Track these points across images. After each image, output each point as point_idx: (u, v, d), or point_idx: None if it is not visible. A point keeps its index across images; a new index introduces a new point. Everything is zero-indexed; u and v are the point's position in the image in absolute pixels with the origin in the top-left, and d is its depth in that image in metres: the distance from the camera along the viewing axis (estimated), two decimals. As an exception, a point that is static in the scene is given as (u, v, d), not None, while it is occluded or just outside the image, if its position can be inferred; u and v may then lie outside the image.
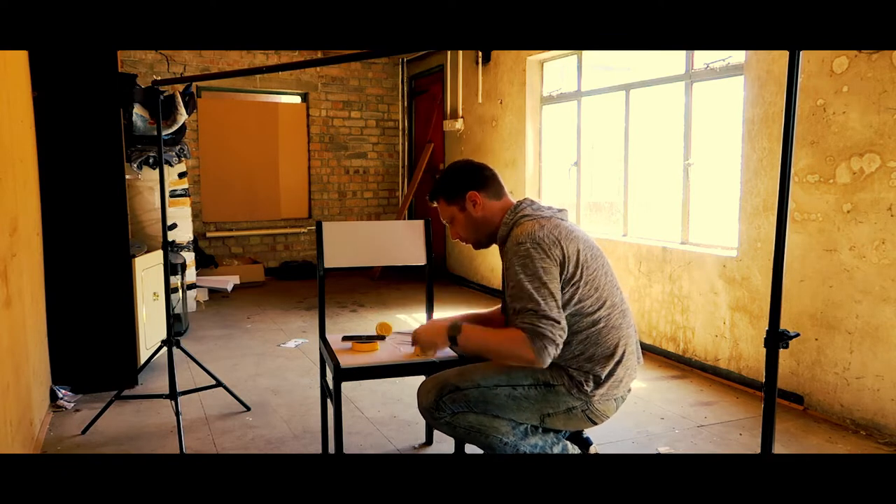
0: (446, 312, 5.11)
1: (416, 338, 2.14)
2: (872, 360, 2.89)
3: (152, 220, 4.35)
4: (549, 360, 1.84)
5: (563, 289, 1.91)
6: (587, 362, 1.95)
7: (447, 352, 2.35)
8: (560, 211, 2.07)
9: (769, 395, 1.46)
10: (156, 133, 3.05)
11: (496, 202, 2.08)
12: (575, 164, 5.09)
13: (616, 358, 1.96)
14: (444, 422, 2.02)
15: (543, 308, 1.82)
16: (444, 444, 2.76)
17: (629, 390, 2.08)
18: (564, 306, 1.92)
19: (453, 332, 1.99)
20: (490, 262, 5.93)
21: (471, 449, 2.49)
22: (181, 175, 4.93)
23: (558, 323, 1.83)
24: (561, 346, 1.86)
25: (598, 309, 1.95)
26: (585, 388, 1.94)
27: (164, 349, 3.01)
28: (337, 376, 2.21)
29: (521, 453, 1.98)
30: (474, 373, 2.01)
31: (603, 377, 1.95)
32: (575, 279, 1.92)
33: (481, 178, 2.09)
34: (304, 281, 6.68)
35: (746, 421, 3.04)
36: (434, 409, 2.01)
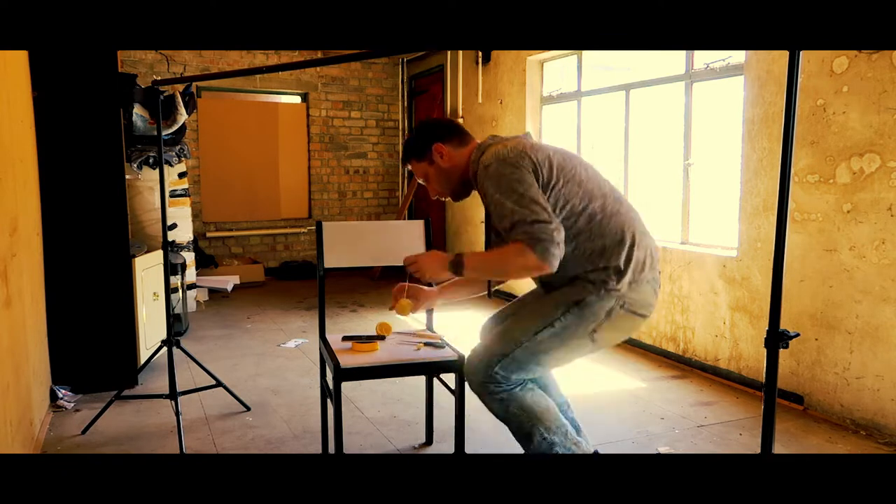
0: (446, 312, 5.10)
1: (417, 261, 2.06)
2: (872, 360, 2.89)
3: (152, 220, 4.35)
4: (556, 260, 1.83)
5: (544, 194, 1.91)
6: (599, 258, 1.95)
7: (445, 352, 2.35)
8: (524, 135, 2.10)
9: (769, 395, 1.46)
10: (156, 133, 3.05)
11: (463, 149, 2.13)
12: (575, 163, 5.08)
13: (627, 242, 1.96)
14: (499, 397, 1.99)
15: (530, 215, 1.83)
16: (444, 444, 2.76)
17: (659, 272, 2.05)
18: (553, 210, 1.91)
19: (456, 260, 1.98)
20: (490, 262, 5.92)
21: (471, 449, 2.50)
22: (181, 175, 4.93)
23: (550, 223, 1.83)
24: (563, 243, 1.84)
25: (589, 203, 1.96)
26: (610, 284, 1.94)
27: (164, 349, 3.01)
28: (337, 376, 2.21)
29: (554, 453, 1.97)
30: (512, 332, 2.00)
31: (622, 265, 1.94)
32: (553, 182, 1.93)
33: (443, 130, 2.14)
34: (304, 281, 6.68)
35: (746, 421, 3.04)
36: (489, 383, 1.98)
